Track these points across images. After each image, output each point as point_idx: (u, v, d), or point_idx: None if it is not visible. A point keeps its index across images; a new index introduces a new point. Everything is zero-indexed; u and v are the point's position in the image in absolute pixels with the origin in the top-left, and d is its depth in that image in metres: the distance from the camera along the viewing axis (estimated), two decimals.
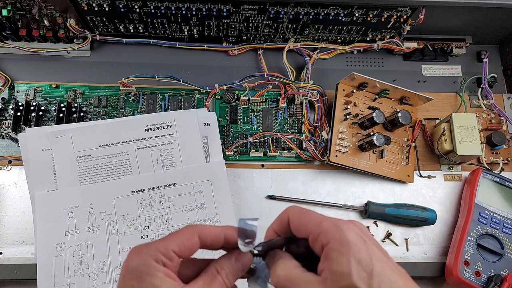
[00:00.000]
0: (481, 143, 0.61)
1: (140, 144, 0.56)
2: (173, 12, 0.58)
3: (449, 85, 0.70)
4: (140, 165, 0.55)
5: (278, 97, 0.65)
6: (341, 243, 0.25)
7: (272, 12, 0.59)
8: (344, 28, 0.63)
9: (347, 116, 0.61)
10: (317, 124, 0.63)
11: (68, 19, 0.60)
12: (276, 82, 0.64)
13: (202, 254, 0.30)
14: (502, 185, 0.60)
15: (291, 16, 0.60)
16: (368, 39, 0.67)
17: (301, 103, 0.64)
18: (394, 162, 0.62)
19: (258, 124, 0.64)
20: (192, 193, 0.55)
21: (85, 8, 0.57)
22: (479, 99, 0.68)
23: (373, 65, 0.70)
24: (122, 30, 0.63)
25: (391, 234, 0.60)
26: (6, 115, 0.60)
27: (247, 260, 0.30)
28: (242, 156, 0.62)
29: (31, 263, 0.54)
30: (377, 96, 0.63)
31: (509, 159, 0.65)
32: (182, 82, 0.61)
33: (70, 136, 0.54)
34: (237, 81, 0.63)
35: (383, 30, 0.65)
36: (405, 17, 0.61)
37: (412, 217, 0.59)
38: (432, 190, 0.63)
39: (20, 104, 0.58)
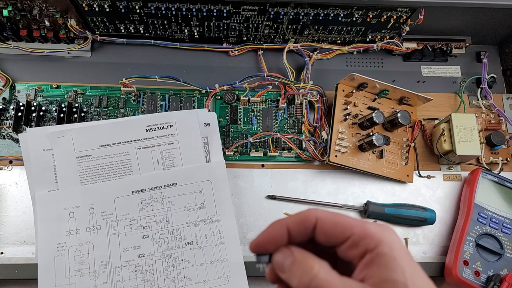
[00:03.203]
0: (480, 143, 0.61)
1: (140, 144, 0.56)
2: (174, 12, 0.58)
3: (448, 85, 0.70)
4: (140, 165, 0.55)
5: (278, 98, 0.65)
6: (391, 248, 0.23)
7: (272, 13, 0.59)
8: (344, 29, 0.64)
9: (347, 116, 0.61)
10: (317, 124, 0.63)
11: (69, 20, 0.60)
12: (276, 83, 0.64)
13: None
14: (502, 185, 0.60)
15: (291, 17, 0.60)
16: (367, 39, 0.67)
17: (301, 104, 0.65)
18: (393, 162, 0.62)
19: (258, 124, 0.64)
20: (192, 193, 0.55)
21: (86, 9, 0.57)
22: (478, 100, 0.68)
23: (372, 65, 0.70)
24: (123, 31, 0.63)
25: None
26: (7, 115, 0.60)
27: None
28: (242, 156, 0.62)
29: (32, 263, 0.54)
30: (376, 97, 0.63)
31: (508, 159, 0.65)
32: (183, 82, 0.61)
33: (71, 136, 0.54)
34: (237, 82, 0.63)
35: (383, 31, 0.65)
36: (404, 17, 0.61)
37: (411, 217, 0.59)
38: (431, 190, 0.63)
39: (21, 104, 0.58)
